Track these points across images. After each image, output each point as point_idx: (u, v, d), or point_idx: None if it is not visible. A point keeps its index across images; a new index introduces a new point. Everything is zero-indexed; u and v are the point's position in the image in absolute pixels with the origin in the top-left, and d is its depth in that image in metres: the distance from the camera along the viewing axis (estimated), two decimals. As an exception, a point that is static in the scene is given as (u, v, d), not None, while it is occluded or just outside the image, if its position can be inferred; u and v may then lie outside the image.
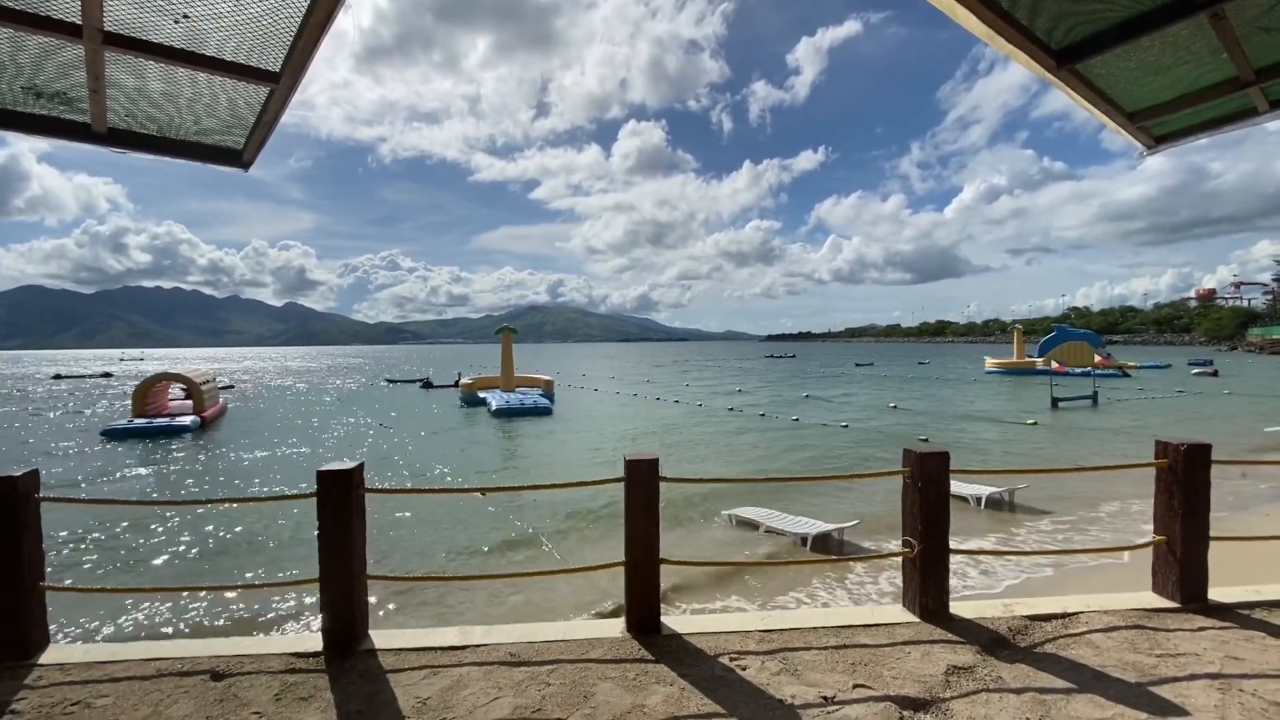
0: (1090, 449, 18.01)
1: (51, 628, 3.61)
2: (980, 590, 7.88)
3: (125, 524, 11.31)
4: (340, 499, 3.39)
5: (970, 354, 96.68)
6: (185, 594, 7.92)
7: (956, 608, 3.80)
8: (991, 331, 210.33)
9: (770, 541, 9.89)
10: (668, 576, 7.76)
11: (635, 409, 31.06)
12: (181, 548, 10.06)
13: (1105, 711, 2.75)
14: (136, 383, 25.37)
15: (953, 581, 4.18)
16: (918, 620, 3.69)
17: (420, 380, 49.31)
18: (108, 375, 69.36)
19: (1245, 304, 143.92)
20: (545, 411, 28.07)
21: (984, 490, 11.67)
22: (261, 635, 6.53)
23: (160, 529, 10.98)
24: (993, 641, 3.43)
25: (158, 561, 9.51)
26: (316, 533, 3.41)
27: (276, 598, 7.88)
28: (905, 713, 2.77)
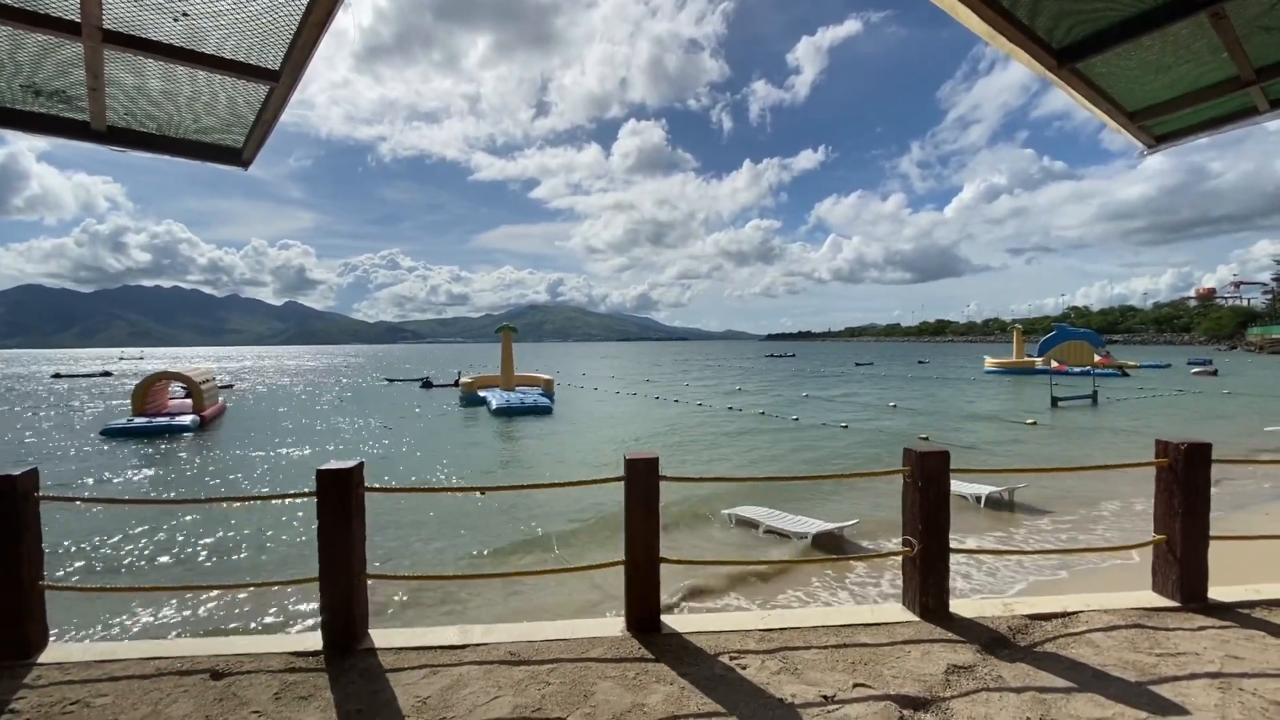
0: (1090, 448, 18.02)
1: (53, 631, 3.60)
2: (980, 589, 7.89)
3: (124, 523, 11.31)
4: (340, 498, 3.39)
5: (970, 353, 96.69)
6: (185, 593, 7.92)
7: (956, 607, 3.80)
8: (991, 331, 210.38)
9: (770, 541, 9.89)
10: (687, 578, 7.82)
11: (635, 408, 31.06)
12: (181, 547, 10.05)
13: (1105, 710, 2.75)
14: (136, 382, 25.36)
15: (953, 581, 4.18)
16: (918, 619, 3.69)
17: (420, 379, 49.29)
18: (107, 374, 69.32)
19: (1245, 303, 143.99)
20: (545, 410, 28.08)
21: (984, 489, 11.67)
22: (261, 634, 6.53)
23: (160, 528, 10.98)
24: (993, 641, 3.43)
25: (157, 561, 9.51)
26: (316, 532, 3.41)
27: (276, 597, 7.88)
28: (905, 712, 2.77)
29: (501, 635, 3.55)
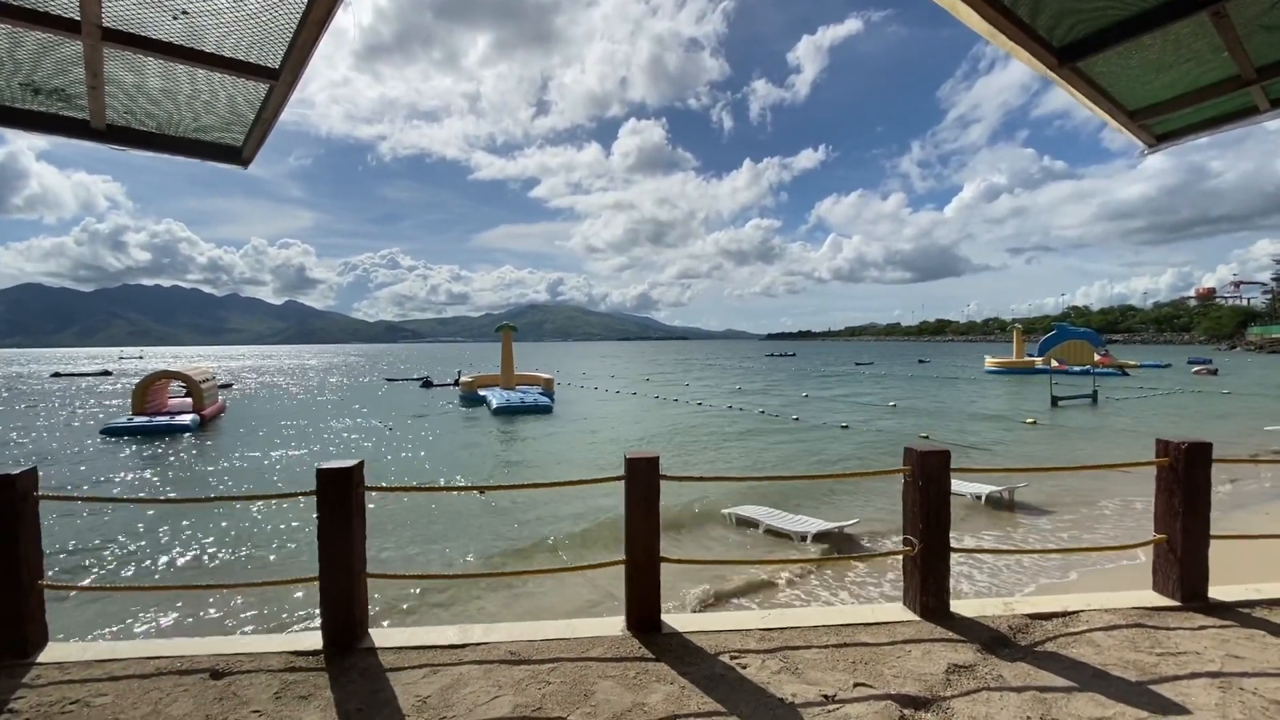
0: (1090, 448, 18.02)
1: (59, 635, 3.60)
2: (981, 588, 7.89)
3: (125, 522, 11.31)
4: (340, 497, 3.39)
5: (970, 353, 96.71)
6: (184, 592, 7.92)
7: (957, 606, 3.80)
8: (991, 330, 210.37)
9: (770, 540, 9.89)
10: (704, 582, 7.81)
11: (635, 408, 31.06)
12: (181, 546, 10.05)
13: (1106, 710, 2.75)
14: (136, 381, 25.35)
15: (956, 583, 4.18)
16: (918, 619, 3.69)
17: (420, 379, 49.29)
18: (107, 373, 69.30)
19: (1245, 303, 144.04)
20: (546, 410, 28.08)
21: (984, 489, 11.68)
22: (261, 634, 6.53)
23: (160, 527, 10.97)
24: (993, 640, 3.43)
25: (157, 560, 9.51)
26: (316, 531, 3.41)
27: (276, 596, 7.88)
28: (906, 711, 2.77)
29: (502, 634, 3.55)
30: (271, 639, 3.60)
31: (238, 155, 3.12)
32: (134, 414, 23.86)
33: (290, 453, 19.21)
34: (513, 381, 32.11)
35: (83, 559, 9.55)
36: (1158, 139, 3.31)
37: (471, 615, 7.27)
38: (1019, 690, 2.91)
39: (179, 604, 7.71)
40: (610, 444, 19.99)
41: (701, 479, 4.38)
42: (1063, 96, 2.95)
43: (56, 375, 66.97)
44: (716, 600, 7.60)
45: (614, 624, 3.69)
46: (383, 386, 48.07)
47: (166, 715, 2.80)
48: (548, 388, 32.57)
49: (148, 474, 16.20)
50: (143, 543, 10.23)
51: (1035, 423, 22.65)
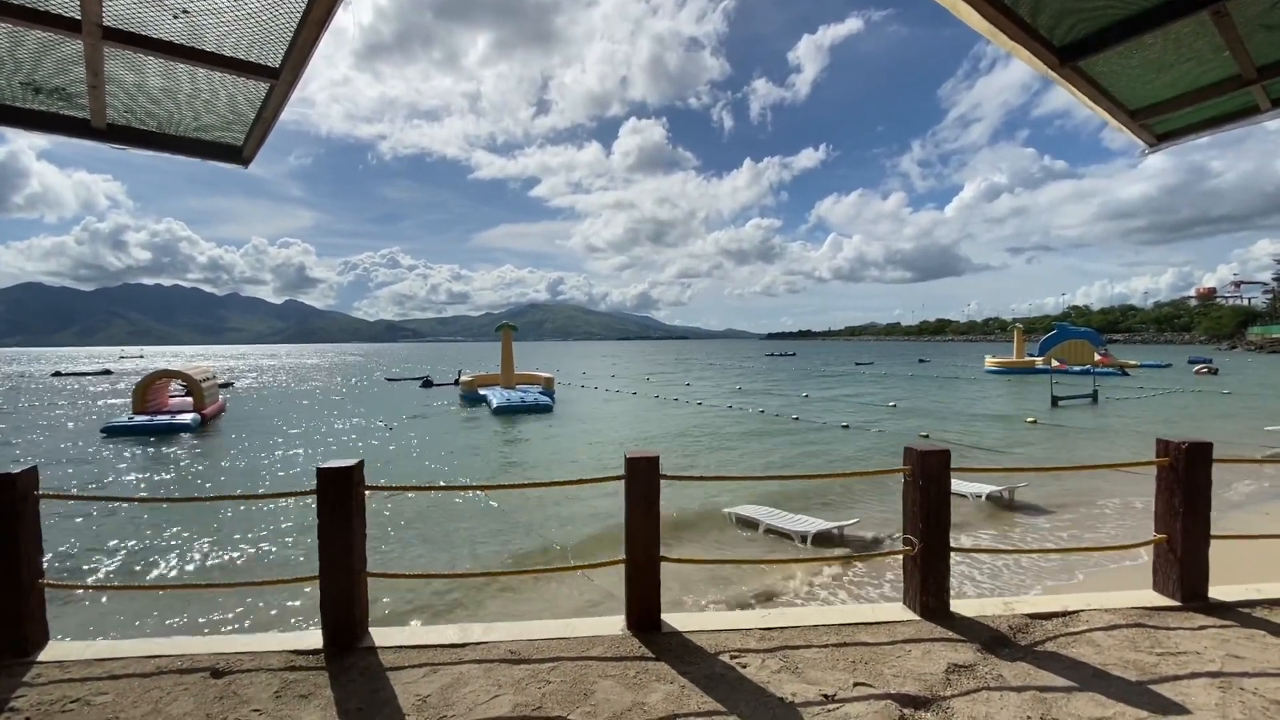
0: (1090, 447, 18.02)
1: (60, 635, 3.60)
2: (981, 588, 7.89)
3: (125, 521, 11.32)
4: (340, 496, 3.39)
5: (970, 353, 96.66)
6: (185, 591, 7.92)
7: (957, 606, 3.80)
8: (992, 330, 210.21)
9: (770, 540, 9.89)
10: (708, 580, 7.81)
11: (636, 407, 31.06)
12: (181, 545, 10.06)
13: (1106, 710, 2.75)
14: (136, 380, 25.37)
15: (953, 580, 4.18)
16: (918, 618, 3.69)
17: (420, 378, 49.29)
18: (107, 373, 69.34)
19: (1245, 303, 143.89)
20: (546, 409, 28.08)
21: (985, 488, 11.68)
22: (261, 633, 6.53)
23: (160, 526, 10.98)
24: (993, 640, 3.43)
25: (157, 559, 9.52)
26: (316, 530, 3.41)
27: (276, 595, 7.89)
28: (906, 711, 2.77)
29: (502, 634, 3.55)
30: (272, 638, 3.60)
31: (238, 154, 3.12)
32: (135, 413, 23.88)
33: (290, 452, 19.22)
34: (513, 381, 32.11)
35: (83, 558, 9.55)
36: (1158, 138, 3.31)
37: (472, 615, 7.28)
38: (1019, 690, 2.91)
39: (179, 603, 7.71)
40: (611, 443, 19.99)
41: (701, 479, 4.38)
42: (1063, 96, 2.95)
43: (57, 374, 67.01)
44: (716, 600, 7.60)
45: (614, 623, 3.69)
46: (383, 386, 48.09)
47: (167, 714, 2.80)
48: (548, 387, 32.57)
49: (148, 473, 16.22)
50: (143, 542, 10.24)
51: (1035, 422, 22.65)
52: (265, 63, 2.41)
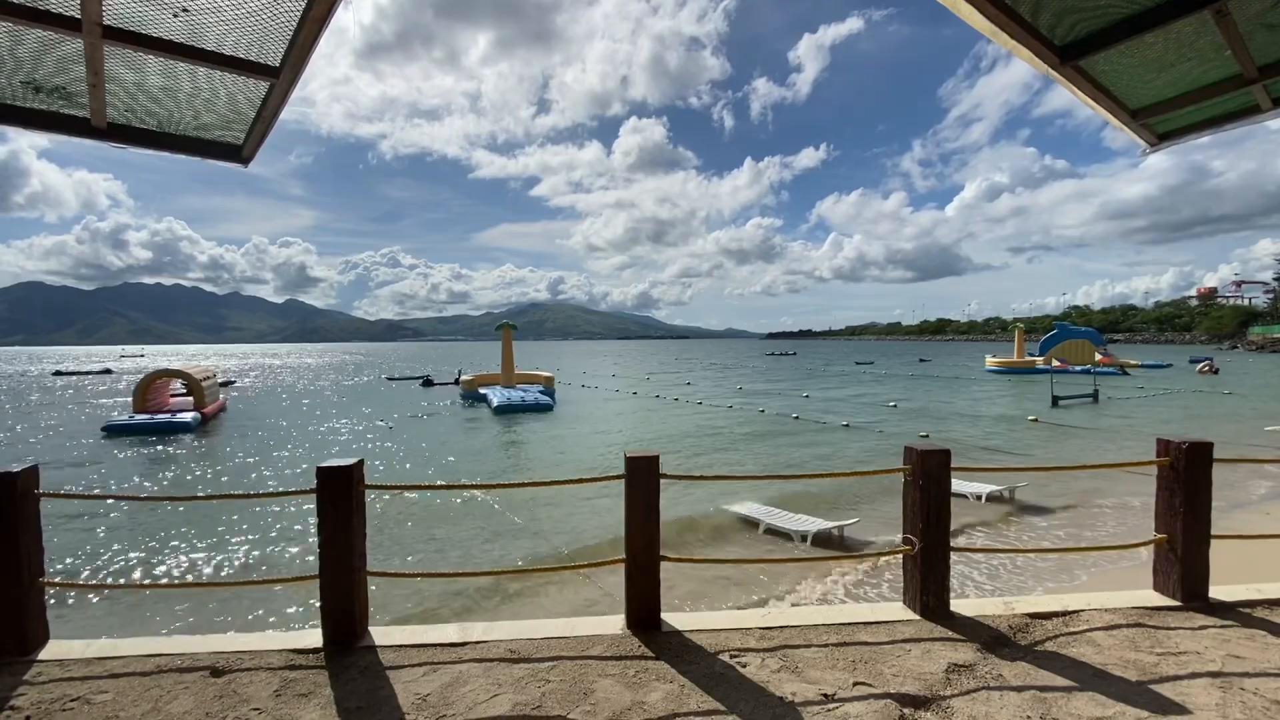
0: (1091, 447, 18.01)
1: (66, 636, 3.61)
2: (982, 588, 7.89)
3: (125, 520, 11.33)
4: (340, 495, 3.39)
5: (971, 352, 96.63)
6: (185, 590, 7.93)
7: (957, 605, 3.80)
8: (992, 330, 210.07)
9: (770, 539, 9.89)
10: (708, 580, 7.81)
11: (636, 406, 31.05)
12: (182, 544, 10.07)
13: (1106, 710, 2.74)
14: (137, 379, 25.38)
15: (953, 580, 4.18)
16: (918, 618, 3.69)
17: (421, 378, 49.31)
18: (108, 372, 69.40)
19: (1246, 303, 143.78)
20: (546, 408, 28.08)
21: (985, 488, 11.67)
22: (261, 631, 6.53)
23: (160, 525, 10.99)
24: (993, 639, 3.43)
25: (157, 558, 9.52)
26: (316, 529, 3.41)
27: (277, 594, 7.89)
28: (906, 710, 2.77)
29: (501, 633, 3.55)
30: (272, 637, 3.60)
31: (238, 153, 3.12)
32: (135, 412, 23.89)
33: (291, 451, 19.22)
34: (513, 380, 32.11)
35: (83, 557, 9.56)
36: (1159, 138, 3.31)
37: (472, 614, 7.28)
38: (1019, 689, 2.91)
39: (179, 602, 7.72)
40: (611, 443, 19.99)
41: (701, 478, 4.38)
42: (1064, 95, 2.95)
43: (58, 373, 67.09)
44: (716, 599, 7.60)
45: (614, 622, 3.69)
46: (383, 385, 48.11)
47: (167, 713, 2.80)
48: (548, 386, 32.57)
49: (149, 472, 16.23)
50: (144, 541, 10.25)
51: (1037, 421, 22.64)
52: (265, 61, 2.41)
